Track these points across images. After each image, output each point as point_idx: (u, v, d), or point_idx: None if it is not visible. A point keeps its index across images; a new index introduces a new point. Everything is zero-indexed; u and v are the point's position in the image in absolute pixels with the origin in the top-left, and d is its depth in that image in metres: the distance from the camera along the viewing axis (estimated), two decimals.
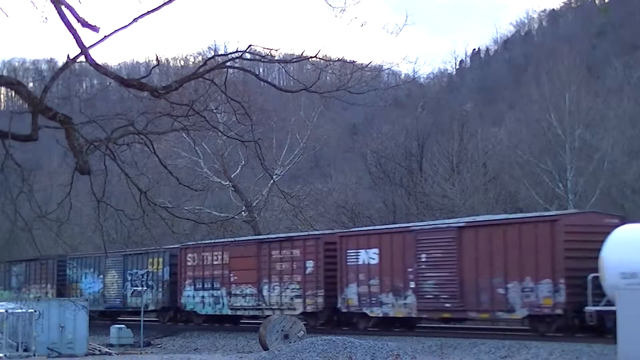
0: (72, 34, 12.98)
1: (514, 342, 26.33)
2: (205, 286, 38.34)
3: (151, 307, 40.78)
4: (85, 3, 12.97)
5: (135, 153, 17.06)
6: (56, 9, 12.74)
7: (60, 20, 12.78)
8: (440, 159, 50.58)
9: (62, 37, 61.67)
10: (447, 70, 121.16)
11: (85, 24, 12.89)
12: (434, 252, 29.80)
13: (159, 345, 36.61)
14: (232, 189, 50.53)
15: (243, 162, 49.01)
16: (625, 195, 42.72)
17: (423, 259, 30.03)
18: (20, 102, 18.56)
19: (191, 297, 39.01)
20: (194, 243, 41.00)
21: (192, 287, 38.96)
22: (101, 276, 44.39)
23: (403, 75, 79.53)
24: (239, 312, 37.61)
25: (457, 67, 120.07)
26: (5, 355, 28.76)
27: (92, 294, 44.37)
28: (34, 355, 29.59)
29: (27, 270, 50.63)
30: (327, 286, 33.17)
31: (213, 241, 39.91)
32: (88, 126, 14.44)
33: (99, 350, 32.44)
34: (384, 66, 25.90)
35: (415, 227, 31.60)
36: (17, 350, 29.38)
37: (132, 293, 42.06)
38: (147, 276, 41.29)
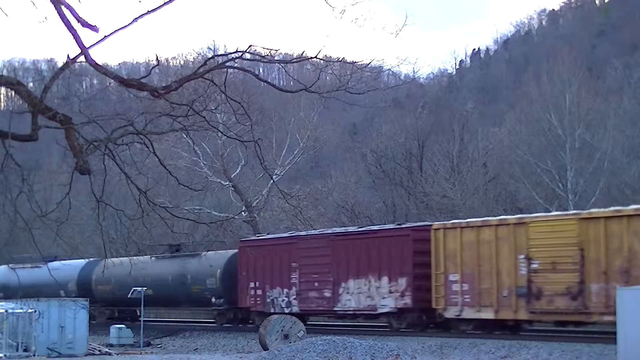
0: (72, 34, 12.97)
1: (514, 342, 26.32)
2: None
3: None
4: (85, 3, 12.97)
5: (134, 153, 17.07)
6: (56, 9, 12.72)
7: (60, 20, 12.77)
8: (440, 159, 50.57)
9: (62, 37, 61.47)
10: (447, 70, 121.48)
11: (85, 24, 12.88)
12: None
13: (159, 345, 36.58)
14: (232, 189, 50.49)
15: (243, 162, 48.98)
16: (626, 195, 42.68)
17: None
18: (20, 102, 18.55)
19: None
20: None
21: None
22: None
23: (403, 76, 79.50)
24: None
25: (457, 67, 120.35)
26: (5, 355, 28.72)
27: None
28: (34, 355, 29.55)
29: None
30: None
31: None
32: (88, 126, 14.44)
33: (99, 350, 32.38)
34: (384, 67, 25.86)
35: None
36: (17, 350, 29.34)
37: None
38: None
